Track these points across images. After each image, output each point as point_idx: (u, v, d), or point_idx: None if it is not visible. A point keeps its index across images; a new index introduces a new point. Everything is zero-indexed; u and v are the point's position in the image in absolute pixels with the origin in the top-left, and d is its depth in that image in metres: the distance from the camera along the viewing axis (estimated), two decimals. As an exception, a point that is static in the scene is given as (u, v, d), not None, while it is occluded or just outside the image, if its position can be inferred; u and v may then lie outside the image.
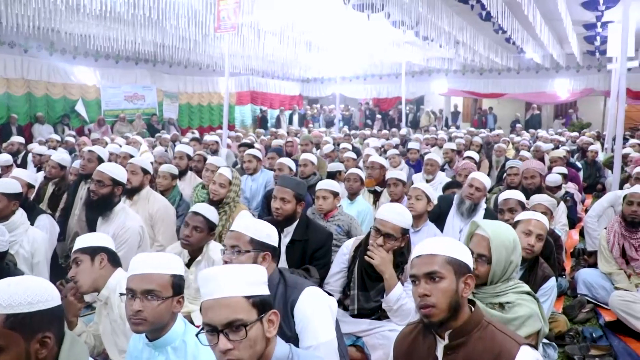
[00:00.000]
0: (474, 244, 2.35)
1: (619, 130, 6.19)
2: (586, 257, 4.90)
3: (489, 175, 6.84)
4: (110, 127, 15.18)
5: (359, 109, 22.43)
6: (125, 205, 3.78)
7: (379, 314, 2.96)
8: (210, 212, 3.21)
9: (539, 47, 14.45)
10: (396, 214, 2.81)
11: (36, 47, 13.81)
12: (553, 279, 2.91)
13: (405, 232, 2.85)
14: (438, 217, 4.22)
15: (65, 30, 11.86)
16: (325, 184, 4.03)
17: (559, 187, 5.73)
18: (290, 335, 2.09)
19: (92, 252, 2.44)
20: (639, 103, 17.95)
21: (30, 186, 4.44)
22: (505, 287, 2.29)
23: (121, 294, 2.00)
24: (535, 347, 2.28)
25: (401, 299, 2.79)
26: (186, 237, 3.12)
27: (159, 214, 4.17)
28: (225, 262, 2.19)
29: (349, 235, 3.87)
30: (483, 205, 4.22)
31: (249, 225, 2.23)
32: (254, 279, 1.55)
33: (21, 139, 9.20)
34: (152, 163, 4.99)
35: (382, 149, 9.30)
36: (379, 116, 20.86)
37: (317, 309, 2.12)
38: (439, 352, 1.78)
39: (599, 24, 11.51)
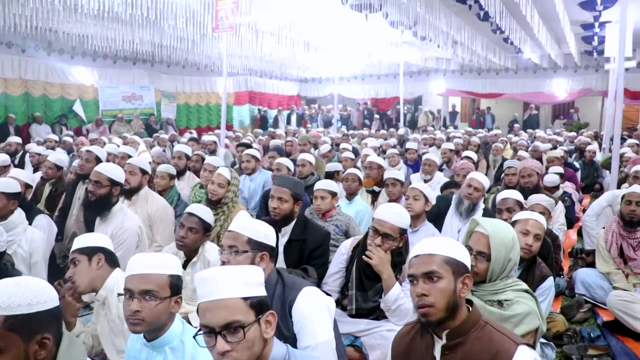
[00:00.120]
0: (473, 242, 2.35)
1: (617, 130, 6.20)
2: (584, 256, 4.90)
3: (486, 175, 6.84)
4: (108, 127, 15.15)
5: (357, 109, 22.43)
6: (123, 206, 3.77)
7: (377, 314, 2.96)
8: (205, 213, 3.19)
9: (536, 47, 14.47)
10: (394, 214, 2.81)
11: (34, 47, 13.79)
12: (551, 278, 2.91)
13: (403, 232, 2.85)
14: (437, 217, 4.22)
15: (62, 30, 11.82)
16: (323, 184, 4.03)
17: (556, 187, 5.74)
18: (288, 336, 2.09)
19: (90, 252, 2.44)
20: (637, 103, 18.00)
21: (27, 186, 4.44)
22: (504, 285, 2.30)
23: (119, 294, 2.00)
24: (534, 345, 2.28)
25: (399, 299, 2.79)
26: (181, 239, 3.10)
27: (158, 214, 4.17)
28: (223, 262, 2.18)
29: (347, 235, 3.87)
30: (481, 205, 4.22)
31: (246, 225, 2.23)
32: (251, 280, 1.54)
33: (18, 139, 9.19)
34: (150, 163, 4.98)
35: (381, 149, 9.30)
36: (377, 116, 20.88)
37: (315, 309, 2.12)
38: (437, 352, 1.78)
39: (596, 24, 11.52)
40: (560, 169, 6.35)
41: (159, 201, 4.30)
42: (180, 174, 5.67)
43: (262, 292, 1.56)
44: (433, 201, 4.07)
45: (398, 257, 2.86)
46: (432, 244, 1.80)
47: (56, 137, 10.06)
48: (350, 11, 9.71)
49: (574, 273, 4.32)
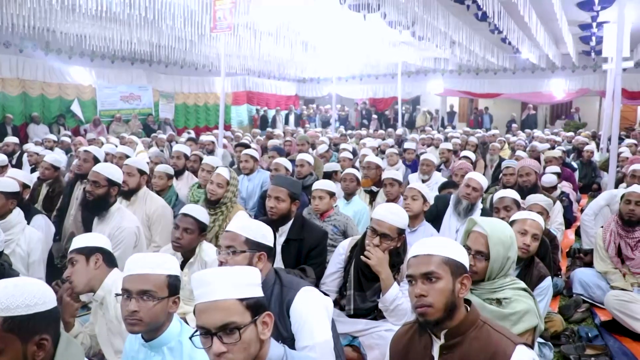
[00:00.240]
0: (471, 241, 2.35)
1: (615, 130, 6.22)
2: (582, 256, 4.91)
3: (484, 174, 6.85)
4: (106, 127, 15.14)
5: (355, 109, 22.45)
6: (121, 206, 3.77)
7: (375, 314, 2.96)
8: (200, 213, 3.18)
9: (534, 47, 14.50)
10: (392, 214, 2.81)
11: (32, 47, 13.75)
12: (549, 278, 2.91)
13: (401, 232, 2.85)
14: (435, 217, 4.22)
15: (60, 30, 11.82)
16: (321, 184, 4.03)
17: (554, 187, 5.75)
18: (286, 336, 2.09)
19: (88, 252, 2.44)
20: (634, 103, 18.06)
21: (25, 186, 4.43)
22: (502, 283, 2.31)
23: (117, 295, 1.99)
24: (532, 344, 2.29)
25: (397, 299, 2.79)
26: (177, 240, 3.09)
27: (156, 214, 4.16)
28: (221, 263, 2.18)
29: (345, 235, 3.86)
30: (479, 205, 4.23)
31: (244, 225, 2.23)
32: (247, 281, 1.54)
33: (16, 140, 9.16)
34: (147, 163, 4.97)
35: (379, 149, 9.30)
36: (375, 116, 20.88)
37: (313, 309, 2.12)
38: (435, 352, 1.78)
39: (594, 24, 11.55)
40: (557, 168, 6.36)
41: (157, 201, 4.29)
42: (179, 173, 5.66)
43: (258, 293, 1.56)
44: (431, 201, 4.07)
45: (396, 257, 2.86)
46: (430, 245, 1.80)
47: (55, 137, 10.05)
48: (349, 11, 9.72)
49: (572, 273, 4.33)
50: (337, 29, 12.14)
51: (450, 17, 10.73)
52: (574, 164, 8.67)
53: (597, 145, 11.36)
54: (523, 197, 4.30)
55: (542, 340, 2.97)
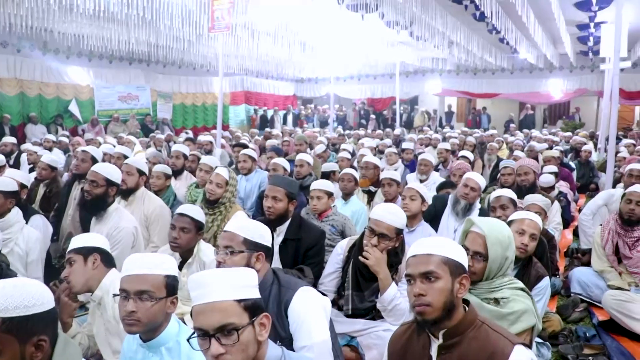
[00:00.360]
0: (469, 242, 2.36)
1: (612, 130, 6.23)
2: (580, 256, 4.92)
3: (482, 174, 6.86)
4: (104, 127, 15.11)
5: (353, 109, 22.45)
6: (119, 206, 3.77)
7: (374, 314, 2.97)
8: (196, 212, 3.17)
9: (532, 47, 14.50)
10: (390, 214, 2.81)
11: (29, 47, 13.71)
12: (547, 278, 2.92)
13: (399, 232, 2.85)
14: (433, 217, 4.23)
15: (58, 30, 11.79)
16: (319, 184, 4.03)
17: (552, 187, 5.76)
18: (284, 336, 2.09)
19: (86, 252, 2.44)
20: (632, 103, 18.09)
21: (23, 187, 4.42)
22: (500, 283, 2.31)
23: (115, 295, 1.99)
24: (530, 343, 2.29)
25: (395, 299, 2.80)
26: (175, 240, 3.08)
27: (155, 214, 4.16)
28: (219, 263, 2.18)
29: (343, 235, 3.86)
30: (478, 205, 4.23)
31: (242, 225, 2.23)
32: (244, 282, 1.54)
33: (14, 140, 9.12)
34: (145, 163, 4.97)
35: (377, 149, 9.30)
36: (373, 116, 20.87)
37: (311, 309, 2.12)
38: (433, 352, 1.79)
39: (592, 24, 11.57)
40: (554, 168, 6.37)
41: (155, 201, 4.29)
42: (177, 173, 5.66)
43: (255, 294, 1.56)
44: (429, 201, 4.08)
45: (394, 257, 2.86)
46: (430, 244, 1.81)
47: (53, 138, 10.03)
48: (347, 11, 9.72)
49: (570, 272, 4.34)
50: (335, 29, 12.14)
51: (448, 17, 10.73)
52: (572, 164, 8.69)
53: (595, 145, 11.37)
54: (521, 196, 4.31)
55: (540, 340, 2.98)
